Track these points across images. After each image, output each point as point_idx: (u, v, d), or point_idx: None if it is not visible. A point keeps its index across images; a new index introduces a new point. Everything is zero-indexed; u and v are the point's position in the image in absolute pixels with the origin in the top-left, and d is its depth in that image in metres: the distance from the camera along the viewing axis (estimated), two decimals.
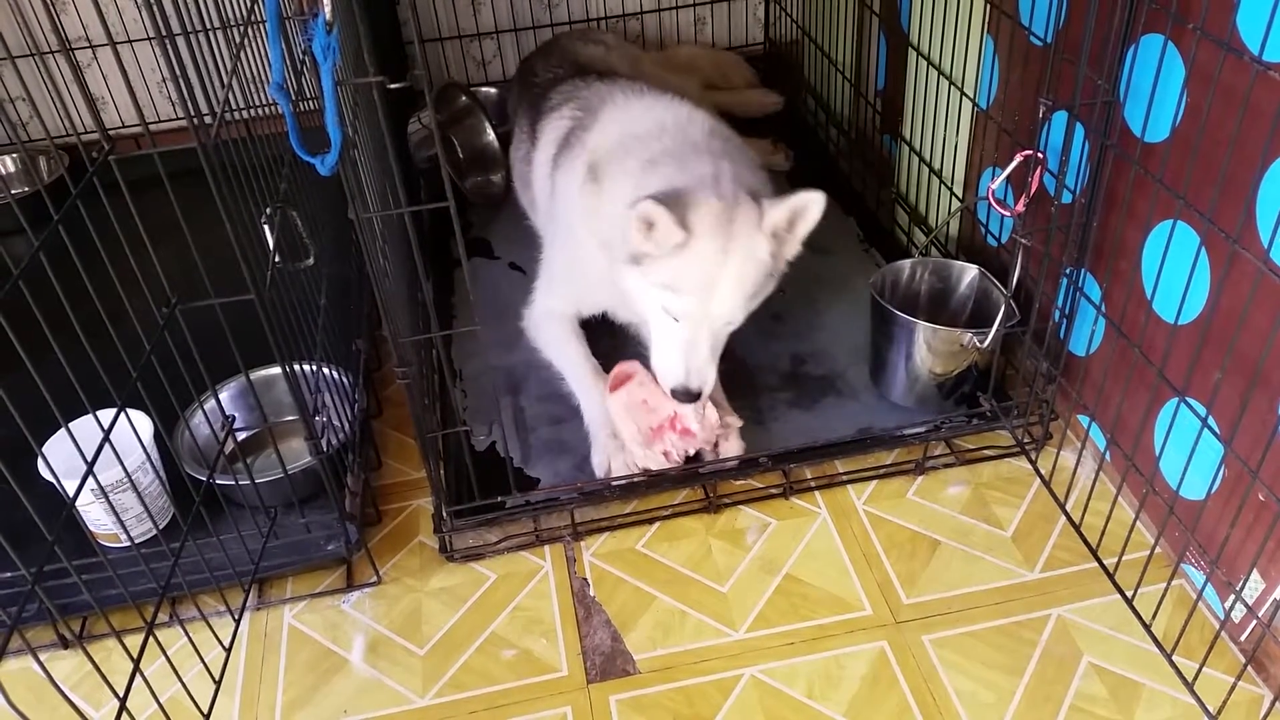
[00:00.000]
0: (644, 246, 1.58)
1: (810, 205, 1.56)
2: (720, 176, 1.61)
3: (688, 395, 1.62)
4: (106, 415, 1.24)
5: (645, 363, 1.74)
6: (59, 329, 1.10)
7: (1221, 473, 1.39)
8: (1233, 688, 1.30)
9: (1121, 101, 1.47)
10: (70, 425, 1.18)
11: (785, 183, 2.49)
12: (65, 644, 1.59)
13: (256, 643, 1.59)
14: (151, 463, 1.54)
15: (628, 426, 1.70)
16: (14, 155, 2.69)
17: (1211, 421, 1.28)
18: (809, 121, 2.79)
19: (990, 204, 1.61)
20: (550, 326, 1.97)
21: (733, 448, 1.74)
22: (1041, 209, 1.64)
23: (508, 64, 2.93)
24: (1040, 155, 1.52)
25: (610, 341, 1.95)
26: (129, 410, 1.26)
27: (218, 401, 1.47)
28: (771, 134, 2.62)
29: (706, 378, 1.63)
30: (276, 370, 1.66)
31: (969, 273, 1.84)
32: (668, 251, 1.56)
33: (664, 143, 1.72)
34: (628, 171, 1.70)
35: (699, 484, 1.76)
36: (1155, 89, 1.37)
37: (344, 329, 1.94)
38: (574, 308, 1.96)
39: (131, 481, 1.41)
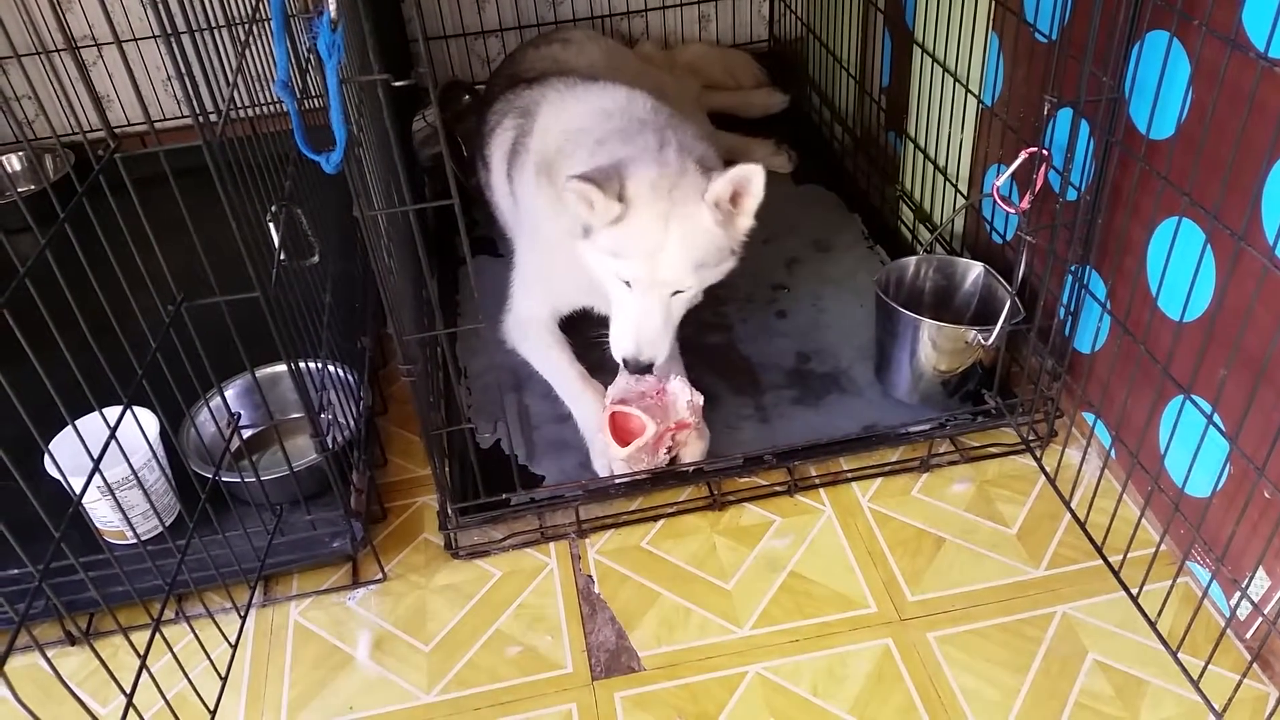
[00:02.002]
0: (590, 219, 1.60)
1: (752, 177, 1.57)
2: (665, 145, 1.63)
3: (638, 367, 1.64)
4: (113, 413, 1.24)
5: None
6: (65, 327, 1.10)
7: (1227, 470, 1.38)
8: (1238, 685, 1.30)
9: (1126, 98, 1.46)
10: (76, 423, 1.18)
11: (791, 184, 2.50)
12: (72, 641, 1.59)
13: (262, 640, 1.60)
14: (157, 460, 1.55)
15: (637, 463, 1.69)
16: (20, 153, 2.70)
17: (1217, 418, 1.28)
18: (814, 119, 2.79)
19: (995, 201, 1.61)
20: (531, 333, 1.96)
21: (693, 453, 1.73)
22: (1046, 206, 1.64)
23: None
24: (1045, 152, 1.52)
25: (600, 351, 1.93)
26: (135, 408, 1.26)
27: (223, 399, 1.47)
28: (776, 134, 2.62)
29: (659, 349, 1.64)
30: (282, 368, 1.66)
31: (974, 270, 1.84)
32: (610, 224, 1.58)
33: (612, 124, 1.73)
34: (578, 160, 1.71)
35: (703, 481, 1.76)
36: (1160, 86, 1.37)
37: (349, 327, 1.95)
38: (551, 309, 1.95)
39: (138, 479, 1.42)
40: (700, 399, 1.70)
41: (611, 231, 1.59)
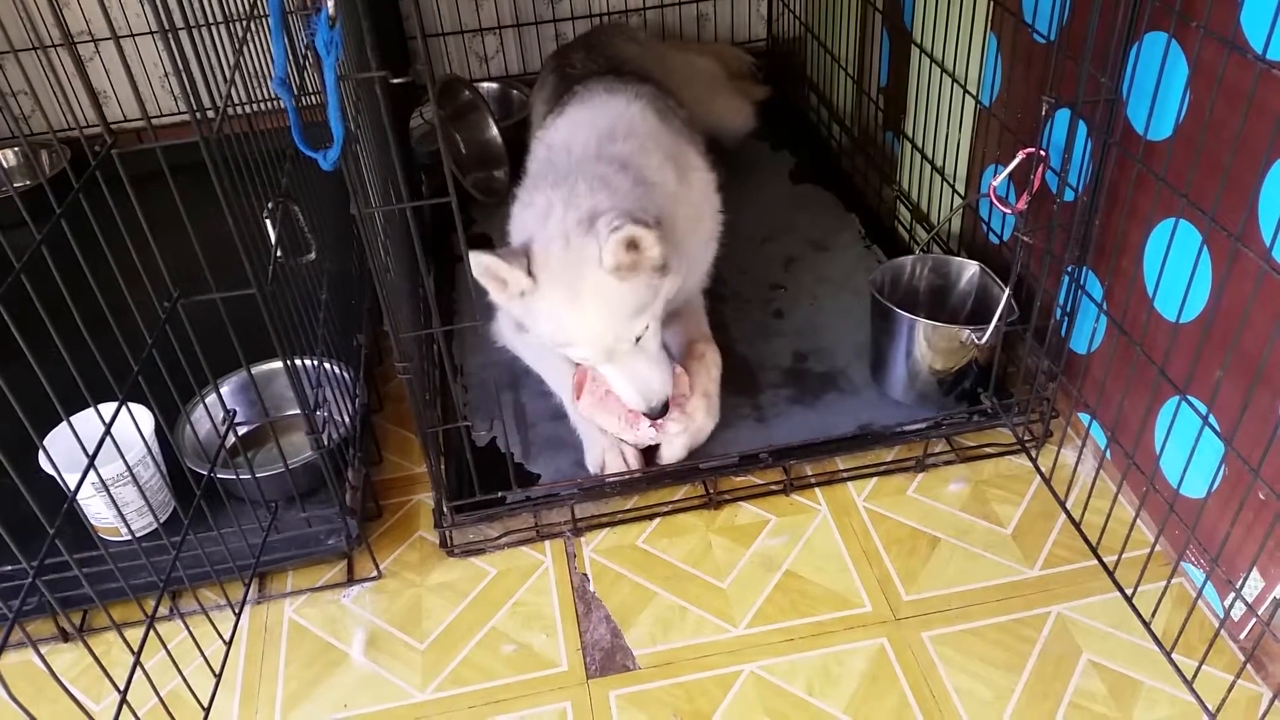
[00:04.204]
0: (508, 301, 1.55)
1: (640, 239, 1.45)
2: (550, 214, 1.53)
3: (659, 412, 1.62)
4: (108, 409, 1.24)
5: None
6: (60, 322, 1.10)
7: (1222, 471, 1.39)
8: (1232, 686, 1.30)
9: (1124, 99, 1.46)
10: (71, 419, 1.18)
11: (789, 184, 2.50)
12: (66, 637, 1.59)
13: (257, 637, 1.59)
14: (152, 456, 1.54)
15: (608, 421, 1.69)
16: (16, 148, 2.69)
17: (1212, 420, 1.28)
18: (811, 118, 2.79)
19: (992, 201, 1.61)
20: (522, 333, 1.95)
21: (676, 450, 1.72)
22: (1043, 206, 1.64)
23: (510, 59, 2.94)
24: (1042, 153, 1.52)
25: None
26: (130, 404, 1.26)
27: (219, 396, 1.47)
28: (773, 132, 2.63)
29: (665, 388, 1.62)
30: (278, 365, 1.66)
31: (969, 269, 1.84)
32: (524, 305, 1.54)
33: (536, 168, 1.72)
34: (518, 199, 1.71)
35: (699, 480, 1.76)
36: (1158, 87, 1.37)
37: (345, 324, 1.94)
38: None
39: (132, 475, 1.41)
40: (676, 369, 1.69)
41: (536, 321, 1.55)
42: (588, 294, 1.50)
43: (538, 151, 1.85)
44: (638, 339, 1.57)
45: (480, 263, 1.48)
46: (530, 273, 1.50)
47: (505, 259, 1.49)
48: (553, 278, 1.50)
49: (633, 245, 1.48)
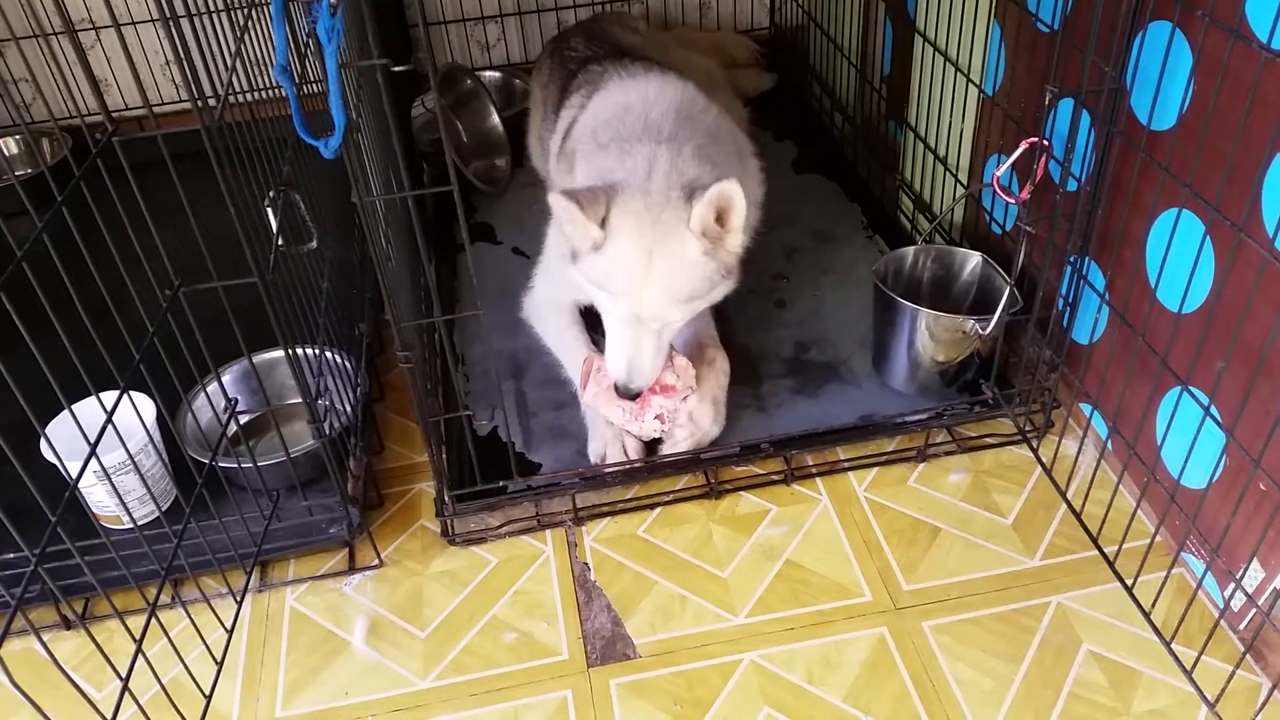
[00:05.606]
0: (576, 241, 1.56)
1: (732, 195, 1.48)
2: (654, 168, 1.56)
3: (627, 393, 1.62)
4: (109, 397, 1.24)
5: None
6: (62, 311, 1.10)
7: (1223, 462, 1.39)
8: (1231, 676, 1.31)
9: (1128, 89, 1.46)
10: (73, 407, 1.18)
11: (791, 174, 2.49)
12: (68, 625, 1.60)
13: (258, 625, 1.60)
14: (154, 445, 1.54)
15: (613, 412, 1.70)
16: (18, 136, 2.69)
17: (1214, 410, 1.28)
18: (814, 107, 2.79)
19: (995, 191, 1.61)
20: (548, 314, 1.96)
21: (681, 443, 1.72)
22: (1046, 196, 1.63)
23: (512, 48, 2.93)
24: (1046, 142, 1.51)
25: None
26: (132, 392, 1.26)
27: (220, 384, 1.47)
28: (774, 120, 2.62)
29: (647, 375, 1.61)
30: (279, 353, 1.65)
31: (972, 260, 1.84)
32: (591, 249, 1.55)
33: (622, 124, 1.69)
34: (583, 155, 1.68)
35: (700, 470, 1.76)
36: (1162, 76, 1.37)
37: (346, 313, 1.94)
38: (570, 296, 1.93)
39: (134, 463, 1.42)
40: (684, 361, 1.70)
41: (595, 261, 1.55)
42: (662, 254, 1.51)
43: (596, 110, 1.82)
44: (662, 325, 1.59)
45: (556, 203, 1.50)
46: (606, 219, 1.51)
47: (585, 208, 1.49)
48: (636, 230, 1.51)
49: (722, 213, 1.51)
